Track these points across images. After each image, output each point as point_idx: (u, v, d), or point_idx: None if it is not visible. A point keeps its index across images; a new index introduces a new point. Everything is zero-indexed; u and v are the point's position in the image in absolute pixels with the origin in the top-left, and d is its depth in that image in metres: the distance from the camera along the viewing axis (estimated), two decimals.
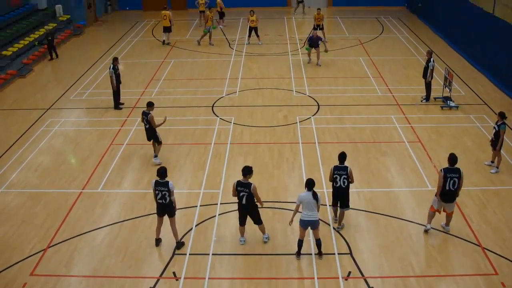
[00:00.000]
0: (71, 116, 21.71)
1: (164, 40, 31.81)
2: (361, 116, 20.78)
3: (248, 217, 13.15)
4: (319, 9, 31.03)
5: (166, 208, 12.96)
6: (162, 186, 12.76)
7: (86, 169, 17.27)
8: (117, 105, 21.98)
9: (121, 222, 14.44)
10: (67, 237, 13.87)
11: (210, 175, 16.73)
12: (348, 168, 13.23)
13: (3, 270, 12.66)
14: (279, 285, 12.06)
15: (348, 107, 21.65)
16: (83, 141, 19.20)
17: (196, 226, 14.17)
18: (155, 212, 13.31)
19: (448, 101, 21.42)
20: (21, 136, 19.79)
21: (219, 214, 14.55)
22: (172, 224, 13.14)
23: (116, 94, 21.87)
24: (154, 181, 12.90)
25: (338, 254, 12.98)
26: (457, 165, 13.15)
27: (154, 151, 17.62)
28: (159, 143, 17.45)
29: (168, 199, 12.82)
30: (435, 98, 22.02)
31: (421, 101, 22.00)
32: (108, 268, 12.70)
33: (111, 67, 21.31)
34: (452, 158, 13.15)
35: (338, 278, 12.21)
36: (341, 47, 30.39)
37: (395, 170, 16.85)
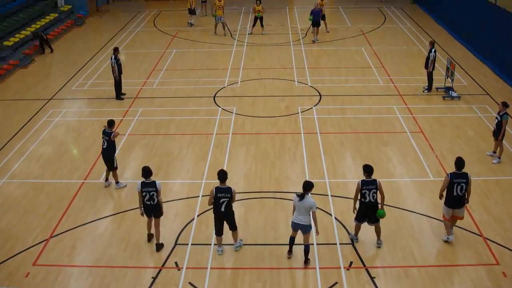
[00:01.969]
0: (73, 106, 21.71)
1: (190, 22, 33.17)
2: (363, 106, 20.76)
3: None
4: None
5: (154, 209, 12.68)
6: (149, 186, 12.47)
7: (88, 159, 17.29)
8: (119, 95, 21.96)
9: (123, 212, 14.47)
10: (70, 227, 13.91)
11: (212, 165, 16.73)
12: (378, 181, 12.29)
13: (6, 260, 12.71)
14: (281, 275, 12.09)
15: (350, 97, 21.62)
16: (85, 132, 19.21)
17: (198, 216, 14.19)
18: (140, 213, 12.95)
19: (450, 91, 21.37)
20: (23, 126, 19.81)
21: None
22: (157, 225, 12.85)
23: (118, 84, 21.85)
24: (139, 182, 12.62)
25: (340, 244, 13.01)
26: (459, 158, 12.58)
27: (110, 177, 15.76)
28: (114, 169, 15.51)
29: (156, 199, 12.55)
30: (437, 88, 21.97)
31: (423, 91, 21.96)
32: (111, 258, 12.74)
33: (113, 57, 21.29)
34: (460, 162, 12.47)
35: (340, 268, 12.24)
36: (343, 37, 30.30)
37: (397, 160, 16.85)
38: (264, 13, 30.83)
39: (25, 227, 13.98)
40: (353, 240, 12.99)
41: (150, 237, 13.19)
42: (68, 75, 25.14)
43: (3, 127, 19.82)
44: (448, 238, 12.87)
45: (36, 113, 20.96)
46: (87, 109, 21.45)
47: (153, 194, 12.51)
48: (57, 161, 17.36)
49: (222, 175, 12.35)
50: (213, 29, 31.30)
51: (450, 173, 12.53)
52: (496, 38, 24.67)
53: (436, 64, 21.74)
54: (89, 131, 19.19)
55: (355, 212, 12.74)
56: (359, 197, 12.47)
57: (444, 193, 12.67)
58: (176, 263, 12.52)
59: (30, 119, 20.42)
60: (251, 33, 31.08)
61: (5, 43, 27.47)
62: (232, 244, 12.95)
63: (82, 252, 13.01)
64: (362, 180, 12.38)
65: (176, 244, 13.15)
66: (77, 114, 20.92)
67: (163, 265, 12.45)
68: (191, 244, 13.08)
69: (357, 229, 12.93)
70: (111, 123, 15.35)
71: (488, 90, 22.19)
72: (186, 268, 12.36)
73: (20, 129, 19.61)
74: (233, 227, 12.66)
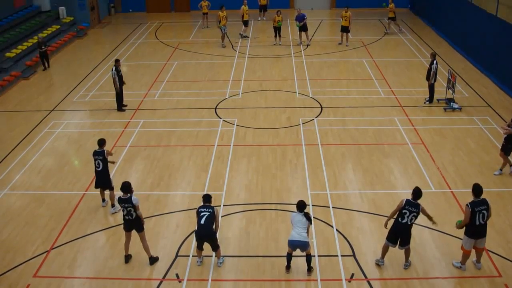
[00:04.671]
0: (74, 118, 21.74)
1: (241, 33, 33.29)
2: (364, 118, 20.77)
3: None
4: (347, 7, 30.82)
5: (133, 223, 12.59)
6: (125, 202, 12.38)
7: (89, 171, 17.26)
8: (120, 107, 21.99)
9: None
10: (70, 239, 13.89)
11: (213, 176, 16.73)
12: (421, 207, 11.97)
13: (6, 272, 12.68)
14: (282, 287, 12.05)
15: (351, 109, 21.64)
16: (86, 143, 19.22)
17: None
18: (122, 226, 12.96)
19: (451, 103, 21.38)
20: (25, 137, 19.82)
21: (222, 216, 14.53)
22: (142, 240, 12.76)
23: (119, 96, 21.88)
24: (117, 198, 12.68)
25: (341, 256, 12.97)
26: (476, 185, 12.13)
27: (107, 199, 15.37)
28: (113, 189, 15.09)
29: (134, 214, 12.44)
30: (438, 100, 21.99)
31: (424, 103, 21.96)
32: (111, 270, 12.70)
33: (114, 69, 21.33)
34: (477, 189, 11.99)
35: (341, 280, 12.20)
36: (344, 49, 30.37)
37: (398, 172, 16.83)
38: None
39: (26, 238, 13.96)
40: (379, 263, 12.61)
41: (127, 258, 12.97)
42: (70, 87, 25.20)
43: (5, 138, 19.84)
44: (461, 267, 12.49)
45: (38, 124, 20.98)
46: (88, 120, 21.47)
47: (130, 210, 12.41)
48: (58, 172, 17.36)
49: (206, 198, 12.53)
50: (219, 41, 31.42)
51: (470, 203, 11.95)
52: (497, 49, 24.71)
53: (437, 76, 21.77)
54: (91, 143, 19.17)
55: (386, 227, 12.47)
56: (396, 216, 12.13)
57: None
58: (177, 274, 12.49)
59: (32, 130, 20.44)
60: (280, 44, 31.38)
61: (7, 54, 27.60)
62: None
63: (82, 264, 12.97)
64: (407, 199, 12.05)
65: (177, 255, 13.12)
66: (79, 126, 20.94)
67: (164, 277, 12.42)
68: (192, 256, 13.04)
69: (385, 250, 12.53)
70: (102, 142, 14.93)
71: (489, 101, 22.20)
72: (187, 280, 12.32)
73: (22, 140, 19.62)
74: (214, 248, 12.56)
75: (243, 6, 32.69)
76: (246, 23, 33.06)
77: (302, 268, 12.48)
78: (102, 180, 15.03)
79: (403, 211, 11.99)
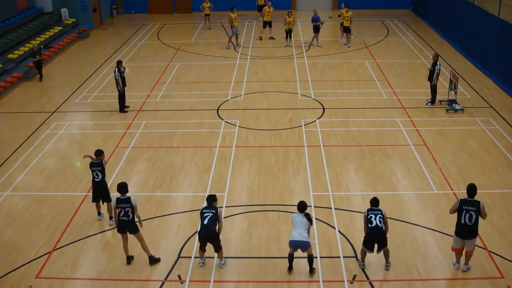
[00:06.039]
0: (76, 119, 21.76)
1: (263, 36, 33.19)
2: (367, 119, 20.76)
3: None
4: (347, 7, 30.77)
5: (128, 225, 12.53)
6: (124, 202, 12.35)
7: (91, 172, 17.25)
8: (122, 108, 22.00)
9: None
10: (73, 240, 13.90)
11: (215, 178, 16.73)
12: (384, 213, 12.18)
13: (8, 273, 12.69)
14: None
15: (353, 110, 21.63)
16: (89, 144, 19.22)
17: None
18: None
19: (454, 104, 21.37)
20: (27, 139, 19.84)
21: (224, 217, 14.52)
22: (140, 240, 12.73)
23: (122, 97, 21.89)
24: (115, 199, 12.56)
25: (344, 257, 12.95)
26: (470, 185, 12.18)
27: (102, 211, 14.87)
28: (110, 200, 14.33)
29: (131, 215, 12.42)
30: (440, 101, 21.96)
31: (427, 104, 21.94)
32: (113, 271, 12.71)
33: (116, 70, 21.34)
34: (470, 189, 11.99)
35: (344, 281, 12.19)
36: (346, 50, 30.37)
37: (400, 173, 16.81)
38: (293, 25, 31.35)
39: (28, 239, 13.97)
40: (361, 266, 12.55)
41: (129, 259, 12.95)
42: (72, 88, 25.22)
43: (7, 140, 19.87)
44: (454, 265, 12.55)
45: (40, 125, 21.00)
46: (90, 122, 21.49)
47: (127, 210, 12.39)
48: (61, 173, 17.37)
49: (209, 198, 12.57)
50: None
51: (460, 199, 12.06)
52: (499, 50, 24.70)
53: (439, 77, 21.74)
54: (93, 144, 19.18)
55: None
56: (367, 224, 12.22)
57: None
58: (179, 276, 12.49)
59: (34, 131, 20.46)
60: (291, 46, 31.27)
61: (9, 56, 27.63)
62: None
63: (85, 265, 12.99)
64: (368, 209, 12.28)
65: (179, 257, 13.12)
66: (81, 127, 20.96)
67: (166, 278, 12.42)
68: (194, 257, 13.04)
69: (363, 253, 12.49)
70: (99, 153, 14.44)
71: (492, 102, 22.18)
72: (189, 281, 12.32)
73: (24, 141, 19.65)
74: (217, 249, 12.56)
75: (265, 7, 32.49)
76: (269, 24, 32.54)
77: (304, 269, 12.47)
78: (102, 192, 14.45)
79: (368, 216, 12.11)
